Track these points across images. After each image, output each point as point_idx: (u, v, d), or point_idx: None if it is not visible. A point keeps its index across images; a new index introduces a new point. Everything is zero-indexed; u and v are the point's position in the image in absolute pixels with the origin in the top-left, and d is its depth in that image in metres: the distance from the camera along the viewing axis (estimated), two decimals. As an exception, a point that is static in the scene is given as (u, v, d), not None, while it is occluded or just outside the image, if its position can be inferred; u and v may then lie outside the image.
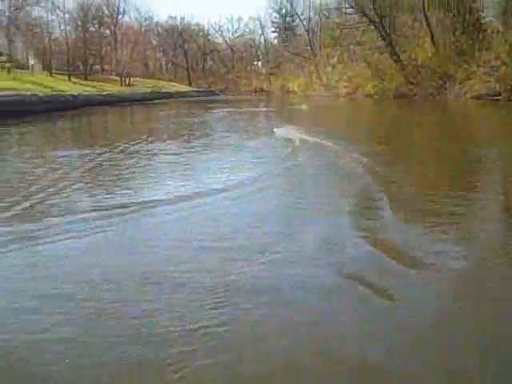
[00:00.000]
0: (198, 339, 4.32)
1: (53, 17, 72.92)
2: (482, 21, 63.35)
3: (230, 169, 12.34)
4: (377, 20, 67.25)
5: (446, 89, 58.21)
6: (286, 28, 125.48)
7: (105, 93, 59.09)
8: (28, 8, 68.45)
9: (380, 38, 68.50)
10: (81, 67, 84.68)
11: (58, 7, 73.59)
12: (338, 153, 14.88)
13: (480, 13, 64.05)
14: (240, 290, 5.20)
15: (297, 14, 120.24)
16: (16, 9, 65.50)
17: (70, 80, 65.69)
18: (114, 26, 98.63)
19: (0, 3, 66.49)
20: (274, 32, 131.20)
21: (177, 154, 15.56)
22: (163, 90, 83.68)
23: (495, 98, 50.79)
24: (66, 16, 77.49)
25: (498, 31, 55.46)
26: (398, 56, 64.96)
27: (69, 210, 8.54)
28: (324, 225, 7.40)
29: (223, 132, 24.39)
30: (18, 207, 8.70)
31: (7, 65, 56.65)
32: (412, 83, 61.80)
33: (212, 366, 3.98)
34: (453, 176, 12.08)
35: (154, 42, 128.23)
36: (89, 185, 11.14)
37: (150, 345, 4.27)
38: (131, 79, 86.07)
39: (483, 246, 6.59)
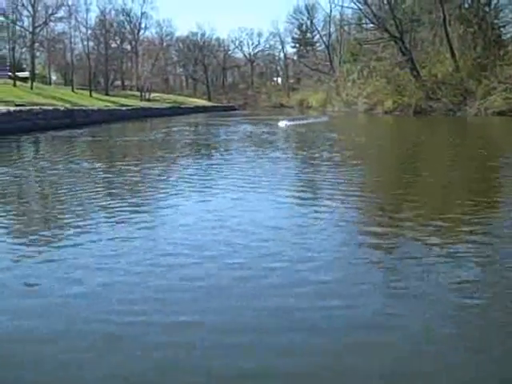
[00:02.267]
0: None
1: (75, 33, 73.91)
2: (504, 37, 63.10)
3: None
4: (397, 35, 67.17)
5: (466, 105, 57.84)
6: (305, 43, 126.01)
7: (124, 108, 59.59)
8: (51, 24, 69.42)
9: (400, 54, 68.39)
10: (102, 82, 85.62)
11: (81, 23, 74.62)
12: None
13: (501, 28, 63.82)
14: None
15: (317, 29, 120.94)
16: (39, 25, 66.40)
17: (91, 95, 66.41)
18: (136, 41, 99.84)
19: (24, 19, 67.57)
20: (293, 47, 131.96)
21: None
22: (183, 106, 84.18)
23: (516, 114, 50.39)
24: (89, 32, 78.60)
25: (520, 47, 55.14)
26: (418, 72, 64.74)
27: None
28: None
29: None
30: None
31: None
32: (432, 99, 61.48)
33: None
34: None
35: (175, 58, 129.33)
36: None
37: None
38: (151, 94, 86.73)
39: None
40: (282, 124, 39.24)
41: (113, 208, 10.10)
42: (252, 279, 6.12)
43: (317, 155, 19.30)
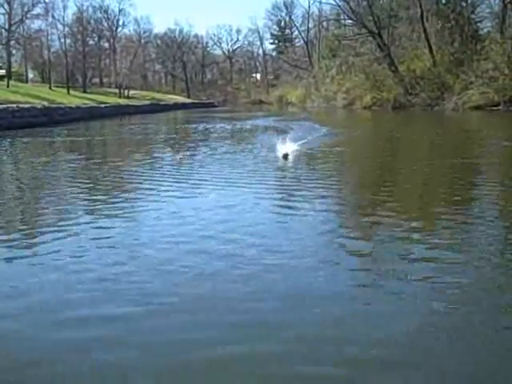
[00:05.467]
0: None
1: (52, 30, 73.00)
2: (481, 31, 63.64)
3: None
4: (375, 31, 67.42)
5: (444, 99, 58.27)
6: (284, 40, 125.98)
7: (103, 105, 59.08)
8: (28, 21, 68.55)
9: (378, 49, 68.66)
10: (80, 80, 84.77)
11: (58, 20, 73.72)
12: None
13: (478, 24, 64.35)
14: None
15: (295, 25, 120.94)
16: (16, 22, 65.51)
17: (68, 93, 65.72)
18: (113, 38, 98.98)
19: (0, 16, 66.58)
20: (272, 44, 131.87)
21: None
22: (162, 103, 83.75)
23: (493, 108, 50.88)
24: (66, 29, 77.67)
25: (497, 42, 55.58)
26: (397, 67, 65.05)
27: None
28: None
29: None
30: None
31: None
32: (410, 94, 61.88)
33: None
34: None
35: (153, 55, 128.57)
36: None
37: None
38: (130, 92, 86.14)
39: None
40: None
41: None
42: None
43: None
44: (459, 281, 5.89)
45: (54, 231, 7.96)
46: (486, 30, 64.36)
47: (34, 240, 7.66)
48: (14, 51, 73.95)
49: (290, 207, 9.58)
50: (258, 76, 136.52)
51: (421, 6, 61.96)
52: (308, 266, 6.32)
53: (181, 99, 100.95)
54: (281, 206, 9.74)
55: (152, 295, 5.54)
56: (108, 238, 7.66)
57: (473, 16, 63.48)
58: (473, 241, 7.45)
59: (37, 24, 72.31)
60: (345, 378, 4.09)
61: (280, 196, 10.98)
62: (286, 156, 15.64)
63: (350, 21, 77.21)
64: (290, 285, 5.75)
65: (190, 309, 5.24)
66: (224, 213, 9.08)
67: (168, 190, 11.38)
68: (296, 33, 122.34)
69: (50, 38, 72.39)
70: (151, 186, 12.14)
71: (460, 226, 8.17)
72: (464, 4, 63.17)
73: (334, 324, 4.88)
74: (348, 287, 5.79)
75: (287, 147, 16.39)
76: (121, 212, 9.48)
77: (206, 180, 12.72)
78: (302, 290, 5.60)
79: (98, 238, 7.56)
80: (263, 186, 11.82)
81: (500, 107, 50.64)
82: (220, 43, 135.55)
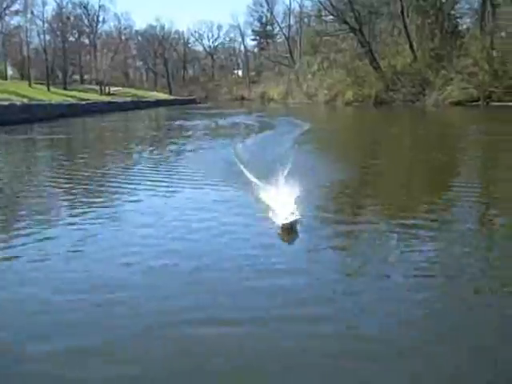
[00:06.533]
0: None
1: (32, 26, 72.17)
2: (460, 27, 64.16)
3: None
4: (356, 27, 67.65)
5: (424, 95, 58.64)
6: (266, 36, 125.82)
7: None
8: (6, 18, 67.83)
9: (360, 45, 68.91)
10: (60, 77, 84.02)
11: (38, 17, 72.93)
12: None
13: (458, 19, 64.85)
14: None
15: (277, 21, 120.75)
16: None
17: (49, 90, 65.11)
18: (94, 35, 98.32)
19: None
20: (253, 40, 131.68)
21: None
22: (144, 100, 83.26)
23: (473, 103, 51.38)
24: (45, 26, 76.84)
25: (476, 37, 56.07)
26: (378, 63, 65.34)
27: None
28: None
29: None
30: None
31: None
32: (391, 90, 62.15)
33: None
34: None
35: (134, 51, 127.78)
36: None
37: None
38: (111, 88, 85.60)
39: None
40: None
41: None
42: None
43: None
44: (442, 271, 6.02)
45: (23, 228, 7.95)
46: (465, 26, 64.94)
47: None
48: (-8, 48, 73.12)
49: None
50: (240, 72, 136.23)
51: (401, 2, 62.26)
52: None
53: (162, 96, 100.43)
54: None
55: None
56: (80, 235, 7.69)
57: (452, 12, 63.95)
58: (456, 231, 7.56)
59: (16, 20, 71.63)
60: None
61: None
62: (289, 227, 7.68)
63: (331, 17, 77.32)
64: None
65: (186, 302, 5.28)
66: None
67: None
68: (277, 29, 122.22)
69: (29, 34, 71.55)
70: (128, 185, 12.14)
71: (444, 217, 8.29)
72: (444, 0, 63.59)
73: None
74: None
75: (282, 197, 8.66)
76: (93, 210, 9.50)
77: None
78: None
79: (70, 237, 7.61)
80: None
81: (480, 102, 51.14)
82: (201, 39, 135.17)
